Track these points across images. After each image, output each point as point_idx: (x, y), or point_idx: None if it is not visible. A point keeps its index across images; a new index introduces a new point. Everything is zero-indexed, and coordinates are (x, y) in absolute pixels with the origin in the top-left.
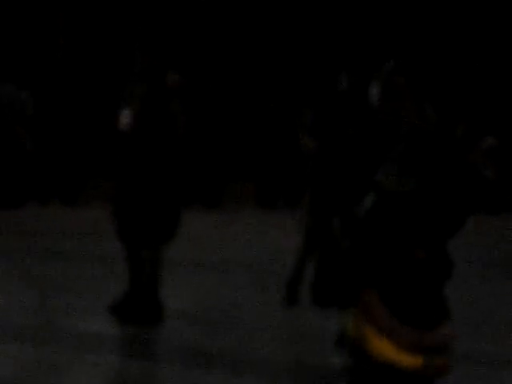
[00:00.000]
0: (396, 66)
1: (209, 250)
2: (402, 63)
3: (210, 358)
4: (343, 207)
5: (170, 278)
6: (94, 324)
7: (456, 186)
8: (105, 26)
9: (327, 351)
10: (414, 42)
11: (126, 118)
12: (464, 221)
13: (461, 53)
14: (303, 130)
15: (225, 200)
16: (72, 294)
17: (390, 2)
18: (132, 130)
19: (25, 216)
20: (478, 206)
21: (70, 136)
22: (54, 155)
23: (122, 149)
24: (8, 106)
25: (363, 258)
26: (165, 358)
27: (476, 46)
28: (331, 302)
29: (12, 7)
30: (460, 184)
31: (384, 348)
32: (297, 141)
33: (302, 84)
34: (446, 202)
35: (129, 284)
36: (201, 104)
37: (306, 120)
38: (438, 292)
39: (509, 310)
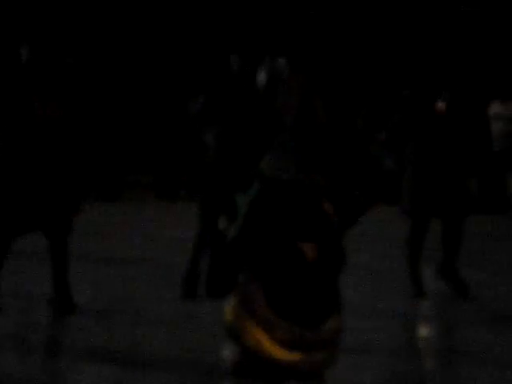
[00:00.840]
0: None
1: (108, 244)
2: (290, 52)
3: (108, 354)
4: (228, 196)
5: (70, 272)
6: None
7: (354, 177)
8: None
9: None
10: (307, 32)
11: None
12: (362, 212)
13: (360, 49)
14: (197, 118)
15: (125, 193)
16: None
17: None
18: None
19: None
20: (377, 197)
21: None
22: None
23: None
24: None
25: (245, 247)
26: (67, 353)
27: (372, 42)
28: (221, 294)
29: None
30: (359, 174)
31: (261, 341)
32: (195, 131)
33: (195, 72)
34: (341, 193)
35: None
36: (97, 97)
37: (197, 107)
38: (326, 287)
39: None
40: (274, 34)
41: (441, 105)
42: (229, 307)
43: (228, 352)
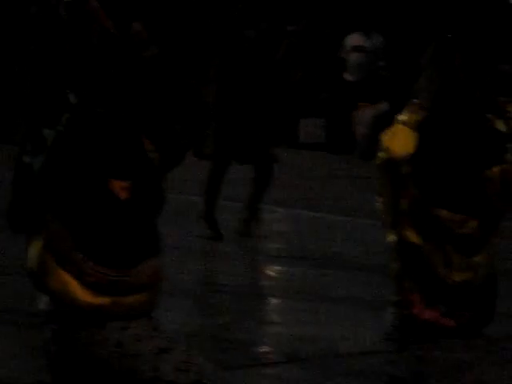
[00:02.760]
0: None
1: None
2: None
3: None
4: (35, 128)
5: None
6: None
7: (175, 112)
8: None
9: None
10: None
11: None
12: (184, 150)
13: None
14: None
15: None
16: None
17: None
18: None
19: None
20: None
21: None
22: None
23: None
24: None
25: (50, 184)
26: None
27: None
28: (25, 229)
29: None
30: (181, 109)
31: (68, 285)
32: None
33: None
34: (161, 129)
35: None
36: None
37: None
38: (141, 228)
39: None
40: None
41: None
42: (33, 250)
43: (39, 301)
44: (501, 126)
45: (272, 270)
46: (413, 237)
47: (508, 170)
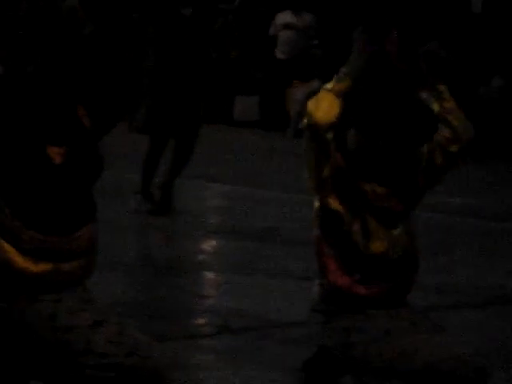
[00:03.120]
0: None
1: None
2: None
3: None
4: None
5: None
6: None
7: (110, 78)
8: None
9: None
10: None
11: None
12: (118, 117)
13: None
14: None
15: None
16: None
17: None
18: None
19: None
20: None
21: None
22: None
23: None
24: None
25: None
26: None
27: None
28: None
29: None
30: (115, 74)
31: (7, 252)
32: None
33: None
34: (94, 95)
35: None
36: None
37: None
38: (77, 194)
39: None
40: None
41: None
42: None
43: None
44: (434, 105)
45: (208, 245)
46: (334, 204)
47: (435, 149)
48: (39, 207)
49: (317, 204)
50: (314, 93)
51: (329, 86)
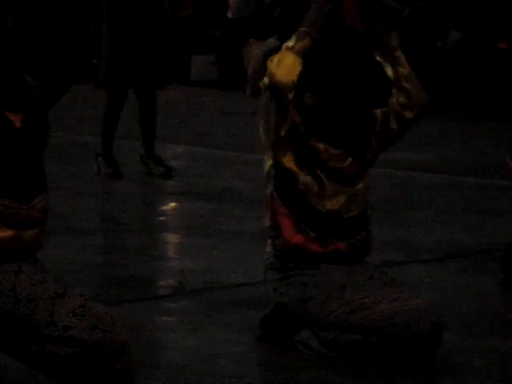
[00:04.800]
0: None
1: None
2: None
3: None
4: None
5: None
6: None
7: (53, 46)
8: None
9: None
10: None
11: None
12: (66, 86)
13: None
14: None
15: None
16: None
17: None
18: None
19: None
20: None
21: None
22: None
23: None
24: None
25: None
26: None
27: None
28: None
29: None
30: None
31: None
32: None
33: None
34: (42, 63)
35: None
36: None
37: None
38: (34, 161)
39: None
40: None
41: None
42: None
43: None
44: (388, 71)
45: (164, 207)
46: (289, 163)
47: (389, 114)
48: (3, 172)
49: (269, 163)
50: (271, 51)
51: (290, 43)
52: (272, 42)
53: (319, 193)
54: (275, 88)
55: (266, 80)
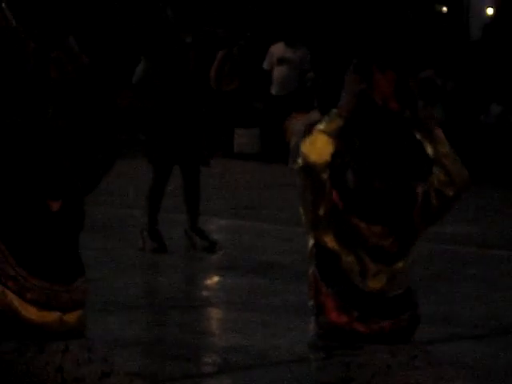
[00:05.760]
0: None
1: None
2: None
3: None
4: None
5: None
6: None
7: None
8: None
9: None
10: None
11: None
12: (102, 174)
13: None
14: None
15: None
16: None
17: None
18: None
19: None
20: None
21: None
22: None
23: None
24: None
25: None
26: None
27: None
28: None
29: None
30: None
31: (12, 302)
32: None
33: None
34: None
35: None
36: None
37: None
38: (72, 245)
39: None
40: None
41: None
42: None
43: None
44: (429, 149)
45: (209, 281)
46: (330, 242)
47: (430, 191)
48: (42, 255)
49: (311, 242)
50: (313, 124)
51: (321, 126)
52: (314, 115)
53: (362, 272)
54: (309, 169)
55: (299, 161)
